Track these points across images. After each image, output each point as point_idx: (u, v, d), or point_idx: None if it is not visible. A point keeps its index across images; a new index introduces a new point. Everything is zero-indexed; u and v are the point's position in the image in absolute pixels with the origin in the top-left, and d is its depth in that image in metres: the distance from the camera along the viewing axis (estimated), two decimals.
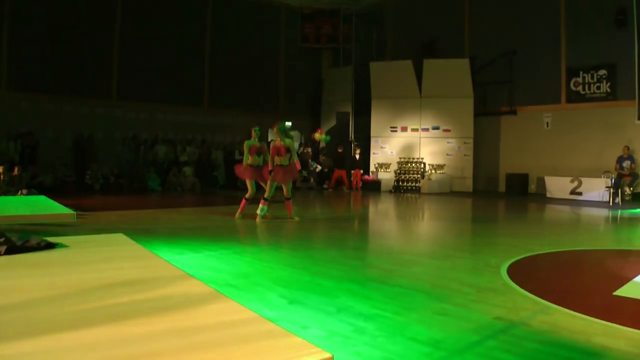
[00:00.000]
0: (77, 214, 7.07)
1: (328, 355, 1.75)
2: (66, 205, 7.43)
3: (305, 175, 21.09)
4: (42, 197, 8.93)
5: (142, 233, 8.18)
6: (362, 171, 20.94)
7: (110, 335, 1.94)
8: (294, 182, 11.24)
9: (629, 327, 4.02)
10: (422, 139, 20.91)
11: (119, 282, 2.79)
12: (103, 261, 3.38)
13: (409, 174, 19.95)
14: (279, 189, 10.71)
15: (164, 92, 20.30)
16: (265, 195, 10.33)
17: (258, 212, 10.34)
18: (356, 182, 20.69)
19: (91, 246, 3.94)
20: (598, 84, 18.02)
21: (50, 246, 3.81)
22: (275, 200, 11.35)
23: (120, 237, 4.37)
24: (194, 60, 21.49)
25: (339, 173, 20.79)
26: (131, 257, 3.55)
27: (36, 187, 14.40)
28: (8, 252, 3.51)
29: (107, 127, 19.13)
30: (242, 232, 9.13)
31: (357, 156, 20.95)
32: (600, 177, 16.82)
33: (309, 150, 22.19)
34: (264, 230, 9.41)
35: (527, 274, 5.98)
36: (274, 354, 1.78)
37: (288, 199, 10.58)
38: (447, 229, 10.23)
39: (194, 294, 2.55)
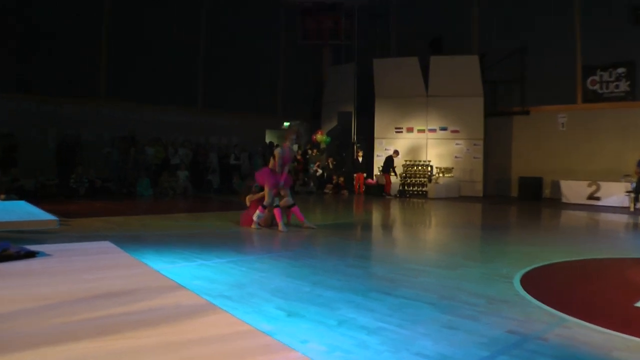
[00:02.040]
0: (60, 220, 7.04)
1: None
2: (48, 211, 7.40)
3: (305, 179, 21.09)
4: (22, 203, 8.90)
5: (130, 240, 8.15)
6: (365, 174, 20.94)
7: (96, 350, 1.92)
8: (292, 187, 11.16)
9: None
10: (429, 141, 20.91)
11: (105, 293, 2.77)
12: (87, 271, 3.36)
13: (415, 177, 19.94)
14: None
15: (156, 92, 20.21)
16: (265, 203, 10.26)
17: (254, 218, 10.29)
18: (359, 187, 20.67)
19: (75, 255, 3.92)
20: (617, 83, 18.02)
21: (31, 255, 3.78)
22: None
23: (107, 245, 4.36)
24: (187, 59, 21.46)
25: (360, 177, 20.84)
26: (118, 266, 3.53)
27: (16, 192, 14.35)
28: None
29: (95, 127, 19.06)
30: (237, 240, 9.10)
31: (360, 159, 20.94)
32: (620, 181, 16.79)
33: (315, 151, 22.14)
34: (260, 237, 9.38)
35: (542, 284, 5.96)
36: None
37: (291, 205, 10.55)
38: (455, 237, 10.21)
39: (185, 306, 2.53)
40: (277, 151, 10.29)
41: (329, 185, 20.92)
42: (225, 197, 17.95)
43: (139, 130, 19.64)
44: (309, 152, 22.13)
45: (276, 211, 10.23)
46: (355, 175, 20.87)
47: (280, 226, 10.07)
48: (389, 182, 19.68)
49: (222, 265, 6.55)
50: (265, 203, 10.21)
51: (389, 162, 19.73)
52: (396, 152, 20.11)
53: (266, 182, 10.25)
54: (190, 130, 21.34)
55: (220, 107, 22.12)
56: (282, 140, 10.20)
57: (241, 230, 10.04)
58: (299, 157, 21.66)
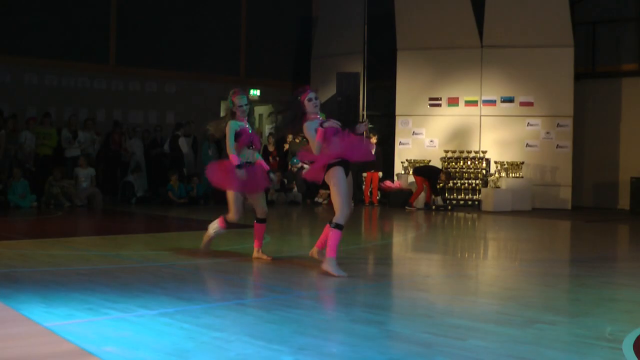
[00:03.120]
0: None
1: None
2: None
3: (285, 181, 21.05)
4: None
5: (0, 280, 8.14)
6: (380, 174, 20.95)
7: None
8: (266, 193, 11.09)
9: None
10: (484, 119, 20.96)
11: None
12: None
13: (461, 178, 19.99)
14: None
15: (40, 39, 20.09)
16: (229, 217, 10.12)
17: (211, 232, 10.11)
18: (371, 193, 20.67)
19: None
20: None
21: None
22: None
23: None
24: None
25: (373, 178, 20.77)
26: None
27: None
28: None
29: None
30: (176, 280, 9.08)
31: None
32: None
33: (299, 137, 22.08)
34: (213, 274, 9.37)
35: None
36: None
37: (261, 220, 10.41)
38: (527, 276, 10.24)
39: None
40: (229, 125, 9.90)
41: (323, 192, 20.87)
42: (157, 210, 17.93)
43: (13, 101, 19.51)
44: (289, 138, 22.05)
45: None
46: (364, 174, 20.87)
47: (333, 270, 9.02)
48: (425, 189, 19.53)
49: (152, 321, 6.55)
50: (227, 221, 10.10)
51: (431, 172, 19.61)
52: (448, 176, 19.89)
53: (221, 178, 10.18)
54: (98, 101, 21.21)
55: (147, 64, 22.00)
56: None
57: (183, 265, 10.02)
58: (271, 147, 21.57)
